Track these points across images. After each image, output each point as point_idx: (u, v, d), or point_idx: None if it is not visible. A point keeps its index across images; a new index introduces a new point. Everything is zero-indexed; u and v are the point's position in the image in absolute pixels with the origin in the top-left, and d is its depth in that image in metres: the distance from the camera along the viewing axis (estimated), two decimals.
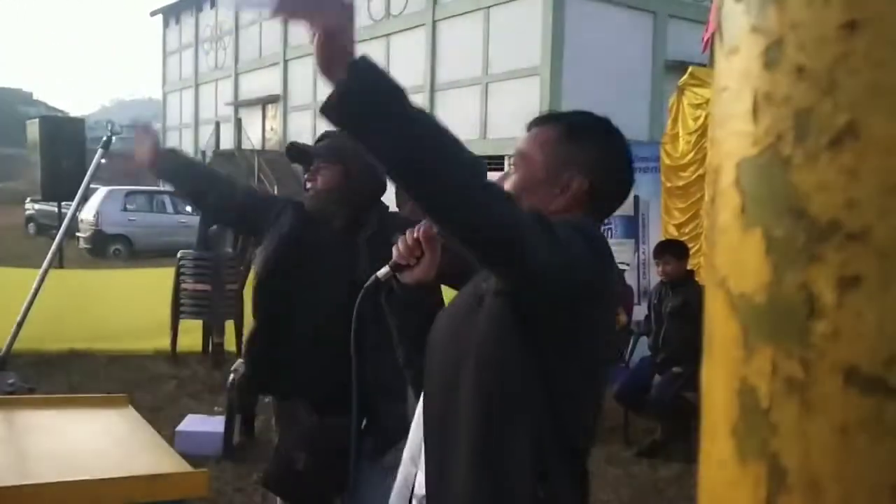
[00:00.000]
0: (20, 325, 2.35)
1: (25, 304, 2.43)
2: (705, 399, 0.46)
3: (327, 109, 1.12)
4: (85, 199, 2.82)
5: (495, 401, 1.28)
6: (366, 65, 1.14)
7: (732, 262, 0.43)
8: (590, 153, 1.41)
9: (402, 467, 1.51)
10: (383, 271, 1.46)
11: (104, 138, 2.41)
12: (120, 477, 1.44)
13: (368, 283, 1.46)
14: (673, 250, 5.18)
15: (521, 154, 1.43)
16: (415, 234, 1.41)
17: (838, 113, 0.39)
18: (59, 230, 9.06)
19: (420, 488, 1.40)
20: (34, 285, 2.51)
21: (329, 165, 2.21)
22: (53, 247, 2.55)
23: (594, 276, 1.27)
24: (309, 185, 2.24)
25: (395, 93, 1.17)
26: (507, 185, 1.40)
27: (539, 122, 1.48)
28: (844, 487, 0.39)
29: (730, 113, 0.44)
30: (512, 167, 1.47)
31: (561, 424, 1.28)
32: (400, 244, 1.43)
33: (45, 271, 2.49)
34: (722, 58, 0.46)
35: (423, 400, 1.42)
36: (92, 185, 9.88)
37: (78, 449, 1.67)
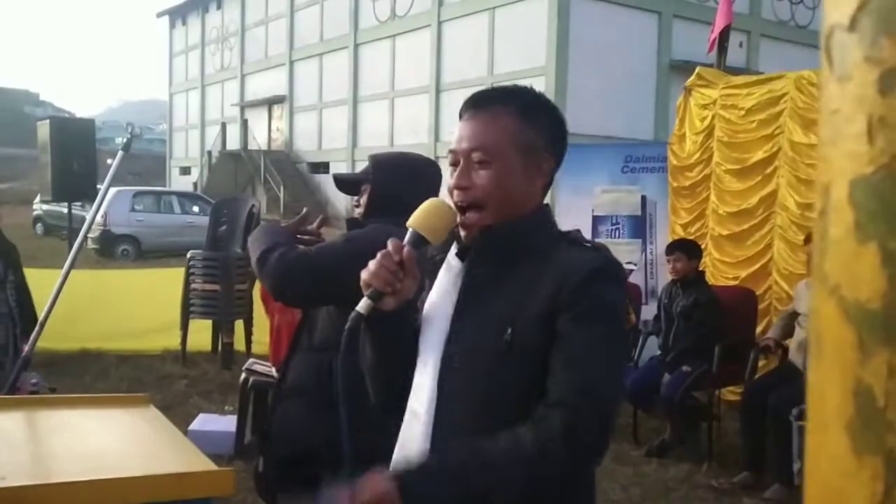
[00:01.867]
0: (42, 325, 2.39)
1: (47, 305, 2.47)
2: (813, 396, 0.50)
3: None
4: (99, 199, 2.84)
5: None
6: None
7: (846, 271, 0.48)
8: (548, 130, 1.39)
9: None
10: (365, 304, 1.31)
11: (124, 140, 2.44)
12: (147, 475, 1.46)
13: (351, 323, 1.31)
14: (684, 248, 5.19)
15: (485, 148, 1.34)
16: (396, 259, 1.32)
17: None
18: (68, 230, 9.07)
19: None
20: (56, 286, 2.54)
21: (364, 191, 2.28)
22: (75, 248, 2.58)
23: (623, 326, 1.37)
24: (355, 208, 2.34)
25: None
26: (482, 184, 1.33)
27: (482, 105, 1.39)
28: None
29: (842, 133, 0.48)
30: (471, 160, 1.35)
31: None
32: (378, 270, 1.31)
33: (67, 272, 2.52)
34: (833, 82, 0.49)
35: (437, 427, 1.34)
36: (98, 186, 9.94)
37: (103, 448, 1.69)
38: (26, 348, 2.32)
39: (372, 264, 1.32)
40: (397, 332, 1.38)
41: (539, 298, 1.28)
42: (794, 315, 4.76)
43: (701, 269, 5.34)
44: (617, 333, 1.33)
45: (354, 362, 1.40)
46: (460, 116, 1.43)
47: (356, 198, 2.30)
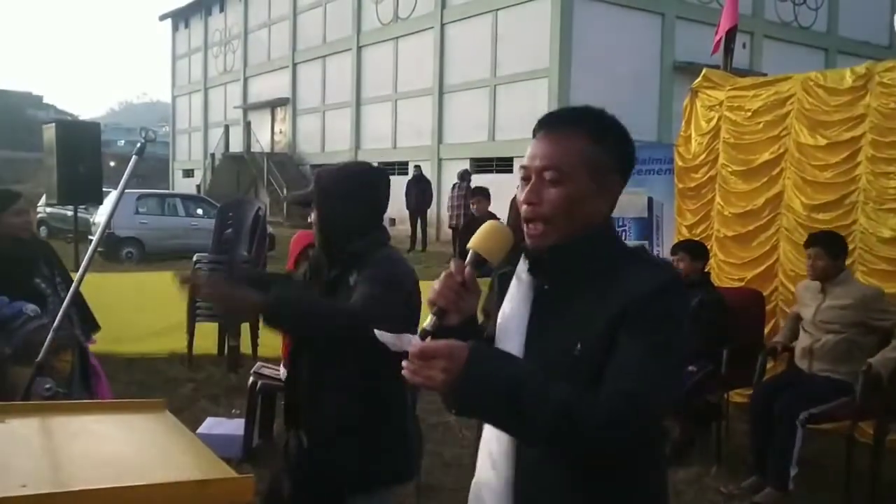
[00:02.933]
0: (56, 330, 2.39)
1: (62, 310, 2.47)
2: None
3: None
4: (114, 204, 2.85)
5: None
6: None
7: None
8: (616, 152, 1.45)
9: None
10: (430, 322, 1.40)
11: (139, 144, 2.45)
12: (168, 482, 1.46)
13: (421, 337, 1.39)
14: (689, 249, 5.17)
15: (557, 167, 1.40)
16: (458, 279, 1.41)
17: None
18: (73, 233, 9.06)
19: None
20: (70, 290, 2.55)
21: (318, 207, 2.29)
22: (90, 250, 2.59)
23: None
24: (313, 228, 2.33)
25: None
26: (552, 201, 1.40)
27: (556, 126, 1.45)
28: None
29: None
30: (542, 178, 1.42)
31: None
32: (442, 290, 1.41)
33: (82, 276, 2.53)
34: None
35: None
36: (105, 189, 9.96)
37: (121, 454, 1.69)
38: (41, 354, 2.33)
39: (436, 283, 1.42)
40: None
41: (606, 315, 1.34)
42: (798, 318, 4.76)
43: (707, 270, 5.33)
44: (674, 345, 1.36)
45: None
46: (534, 135, 1.48)
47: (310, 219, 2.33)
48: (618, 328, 1.32)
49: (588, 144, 1.42)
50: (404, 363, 1.31)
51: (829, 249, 4.52)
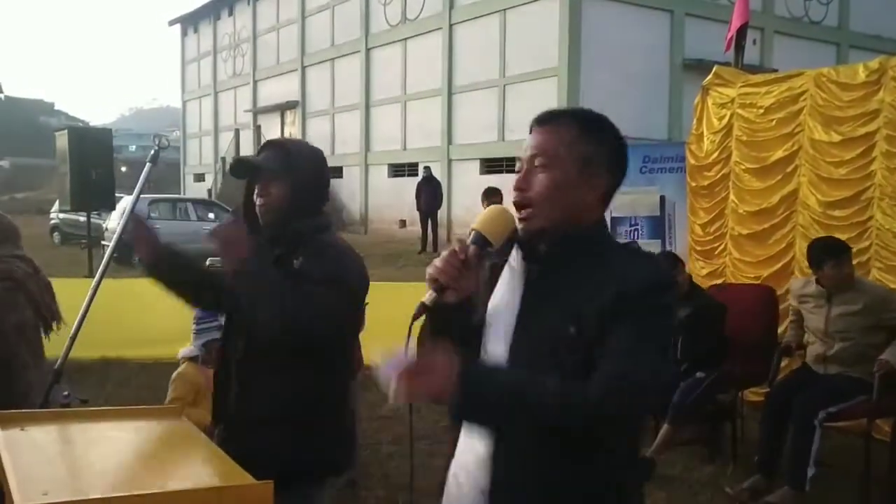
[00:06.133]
0: (73, 338, 2.40)
1: (79, 316, 2.48)
2: None
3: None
4: (129, 210, 2.85)
5: None
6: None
7: None
8: (608, 150, 1.50)
9: (456, 480, 1.56)
10: (430, 297, 1.44)
11: (152, 151, 2.46)
12: (188, 490, 1.46)
13: (417, 311, 1.44)
14: (680, 263, 5.06)
15: (545, 153, 1.47)
16: (461, 256, 1.45)
17: None
18: (87, 239, 9.11)
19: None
20: (87, 297, 2.56)
21: (279, 180, 2.17)
22: (106, 257, 2.61)
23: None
24: (260, 200, 2.19)
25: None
26: (537, 186, 1.45)
27: (548, 120, 1.52)
28: None
29: None
30: (533, 165, 1.48)
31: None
32: (444, 266, 1.44)
33: (98, 282, 2.54)
34: None
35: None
36: (117, 194, 10.01)
37: (140, 461, 1.70)
38: (59, 361, 2.34)
39: (438, 261, 1.45)
40: (457, 323, 1.50)
41: (600, 299, 1.38)
42: (801, 316, 4.68)
43: (688, 276, 5.17)
44: (663, 333, 1.43)
45: None
46: (530, 131, 1.55)
47: (258, 190, 2.20)
48: (611, 314, 1.37)
49: (577, 136, 1.48)
50: (393, 383, 1.30)
51: (851, 255, 4.45)
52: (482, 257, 1.49)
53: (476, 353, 1.53)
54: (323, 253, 2.13)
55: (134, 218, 2.32)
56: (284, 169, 2.16)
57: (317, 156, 2.30)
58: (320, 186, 2.26)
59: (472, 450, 1.50)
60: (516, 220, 1.50)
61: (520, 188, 1.48)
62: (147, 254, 2.29)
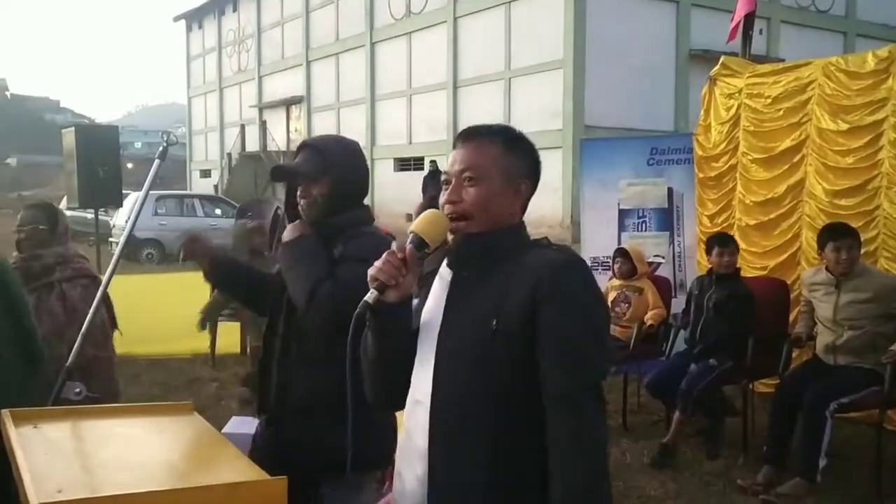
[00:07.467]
0: (84, 336, 2.41)
1: (90, 314, 2.49)
2: None
3: None
4: (138, 207, 2.86)
5: (511, 410, 1.49)
6: None
7: None
8: (527, 161, 1.66)
9: (400, 477, 1.63)
10: (372, 295, 1.52)
11: (161, 148, 2.46)
12: (202, 486, 1.47)
13: (359, 310, 1.52)
14: (735, 243, 5.18)
15: (474, 168, 1.60)
16: (399, 256, 1.54)
17: None
18: (95, 237, 9.13)
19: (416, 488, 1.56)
20: (98, 294, 2.56)
21: (318, 181, 2.23)
22: (116, 254, 2.61)
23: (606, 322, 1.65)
24: (303, 201, 2.26)
25: None
26: (470, 199, 1.58)
27: (473, 136, 1.65)
28: None
29: None
30: (461, 179, 1.60)
31: None
32: (384, 266, 1.53)
33: (108, 280, 2.54)
34: None
35: (434, 409, 1.55)
36: (124, 191, 10.01)
37: (153, 458, 1.70)
38: (70, 358, 2.35)
39: (378, 261, 1.55)
40: (397, 323, 1.59)
41: (519, 291, 1.50)
42: (812, 307, 4.68)
43: (738, 266, 5.26)
44: (593, 314, 1.53)
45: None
46: (454, 146, 1.68)
47: (300, 192, 2.26)
48: (535, 303, 1.47)
49: (501, 152, 1.62)
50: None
51: (858, 240, 4.43)
52: (420, 258, 1.58)
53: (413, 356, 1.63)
54: (360, 238, 2.20)
55: (191, 234, 2.45)
56: (322, 170, 2.22)
57: (352, 151, 2.35)
58: (359, 180, 2.32)
59: (410, 441, 1.60)
60: (449, 230, 1.61)
61: (451, 201, 1.60)
62: (205, 264, 2.41)
